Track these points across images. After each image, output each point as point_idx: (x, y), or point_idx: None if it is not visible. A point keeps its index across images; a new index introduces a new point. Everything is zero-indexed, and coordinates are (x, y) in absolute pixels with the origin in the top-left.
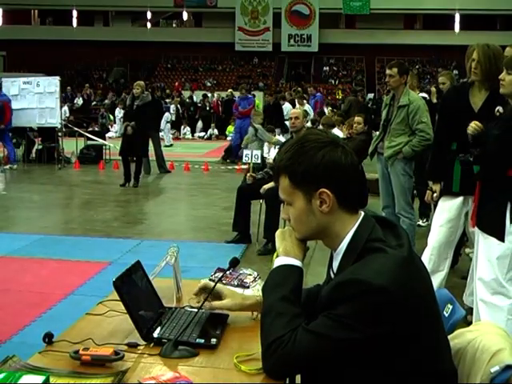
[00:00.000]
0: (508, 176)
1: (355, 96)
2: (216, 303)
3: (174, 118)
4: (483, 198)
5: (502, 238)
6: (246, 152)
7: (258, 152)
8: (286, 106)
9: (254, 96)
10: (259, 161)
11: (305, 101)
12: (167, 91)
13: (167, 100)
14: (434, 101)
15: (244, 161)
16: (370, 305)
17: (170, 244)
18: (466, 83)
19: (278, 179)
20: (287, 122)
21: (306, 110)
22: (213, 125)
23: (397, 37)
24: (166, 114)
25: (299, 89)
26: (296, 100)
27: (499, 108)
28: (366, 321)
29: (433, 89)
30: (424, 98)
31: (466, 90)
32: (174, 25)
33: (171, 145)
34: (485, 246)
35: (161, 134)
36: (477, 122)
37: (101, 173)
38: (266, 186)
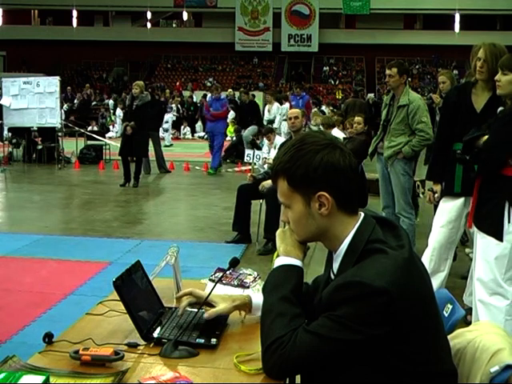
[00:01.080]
0: (505, 175)
1: (356, 97)
2: (213, 310)
3: (174, 118)
4: (481, 198)
5: (500, 238)
6: (247, 152)
7: (260, 152)
8: (285, 106)
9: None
10: (260, 161)
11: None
12: (167, 91)
13: (161, 99)
14: (440, 105)
15: (246, 160)
16: (372, 307)
17: (170, 244)
18: (468, 83)
19: (277, 181)
20: (284, 123)
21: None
22: None
23: (397, 37)
24: (169, 115)
25: (298, 89)
26: (267, 99)
27: (501, 109)
28: (367, 322)
29: (436, 97)
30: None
31: (469, 90)
32: (174, 25)
33: (171, 145)
34: (482, 246)
35: (164, 134)
36: None
37: (101, 173)
38: (265, 183)
